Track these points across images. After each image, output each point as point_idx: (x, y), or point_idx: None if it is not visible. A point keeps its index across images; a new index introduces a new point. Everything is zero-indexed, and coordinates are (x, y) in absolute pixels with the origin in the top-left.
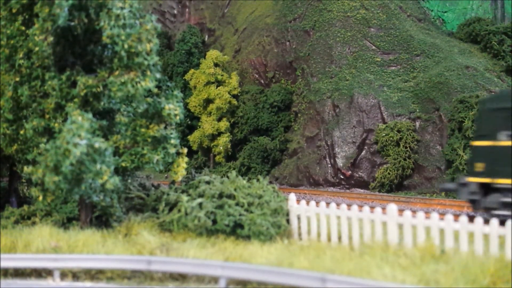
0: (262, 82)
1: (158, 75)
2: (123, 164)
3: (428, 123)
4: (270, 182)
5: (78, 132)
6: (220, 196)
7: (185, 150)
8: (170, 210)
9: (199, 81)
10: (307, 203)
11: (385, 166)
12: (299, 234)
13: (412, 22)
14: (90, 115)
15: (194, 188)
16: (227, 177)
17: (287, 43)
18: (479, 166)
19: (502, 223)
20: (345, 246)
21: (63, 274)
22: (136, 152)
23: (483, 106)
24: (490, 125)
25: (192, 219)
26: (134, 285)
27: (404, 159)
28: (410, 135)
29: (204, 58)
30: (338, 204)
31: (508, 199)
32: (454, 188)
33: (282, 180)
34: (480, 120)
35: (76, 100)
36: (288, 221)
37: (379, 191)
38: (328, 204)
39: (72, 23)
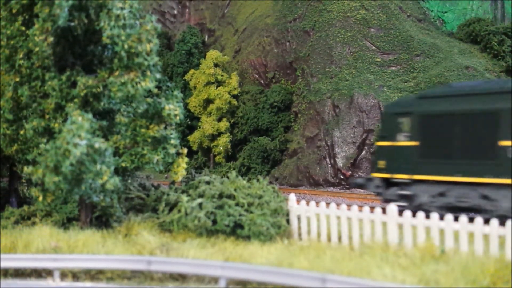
0: (262, 82)
1: (158, 76)
2: (123, 164)
3: None
4: (270, 183)
5: (78, 132)
6: (220, 196)
7: (185, 151)
8: (170, 210)
9: (199, 81)
10: (307, 203)
11: None
12: (299, 234)
13: (412, 22)
14: (90, 116)
15: (194, 188)
16: (227, 177)
17: (287, 43)
18: (381, 163)
19: (502, 223)
20: (345, 246)
21: (63, 274)
22: (136, 152)
23: (385, 110)
24: (390, 127)
25: (192, 219)
26: (134, 285)
27: None
28: None
29: (204, 59)
30: (338, 204)
31: (404, 192)
32: (363, 183)
33: (282, 180)
34: (383, 123)
35: (76, 100)
36: (288, 221)
37: None
38: (328, 204)
39: (72, 24)
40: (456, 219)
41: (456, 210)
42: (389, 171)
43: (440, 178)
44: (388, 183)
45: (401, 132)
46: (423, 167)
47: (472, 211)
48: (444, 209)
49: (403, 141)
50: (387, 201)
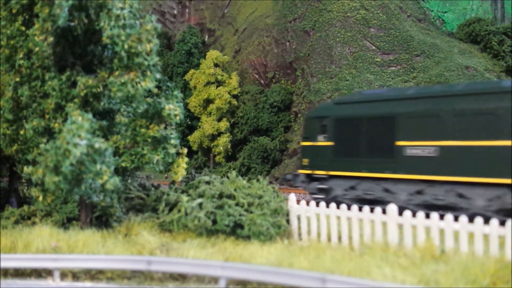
0: (262, 82)
1: (158, 76)
2: (123, 164)
3: None
4: (270, 182)
5: (78, 132)
6: (220, 196)
7: (185, 150)
8: (170, 210)
9: (199, 81)
10: (307, 203)
11: None
12: (299, 234)
13: (412, 22)
14: (90, 116)
15: (194, 188)
16: (227, 177)
17: (287, 43)
18: (305, 161)
19: (502, 223)
20: (345, 246)
21: (63, 274)
22: (136, 152)
23: (308, 115)
24: (312, 130)
25: (192, 219)
26: (134, 285)
27: None
28: None
29: (204, 59)
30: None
31: (322, 186)
32: (291, 179)
33: (282, 180)
34: (306, 126)
35: (76, 100)
36: (288, 221)
37: None
38: (328, 204)
39: (72, 24)
40: (456, 219)
41: (365, 202)
42: (311, 168)
43: (350, 173)
44: (311, 178)
45: (320, 134)
46: (337, 164)
47: (377, 202)
48: (355, 201)
49: (321, 142)
50: (310, 193)
